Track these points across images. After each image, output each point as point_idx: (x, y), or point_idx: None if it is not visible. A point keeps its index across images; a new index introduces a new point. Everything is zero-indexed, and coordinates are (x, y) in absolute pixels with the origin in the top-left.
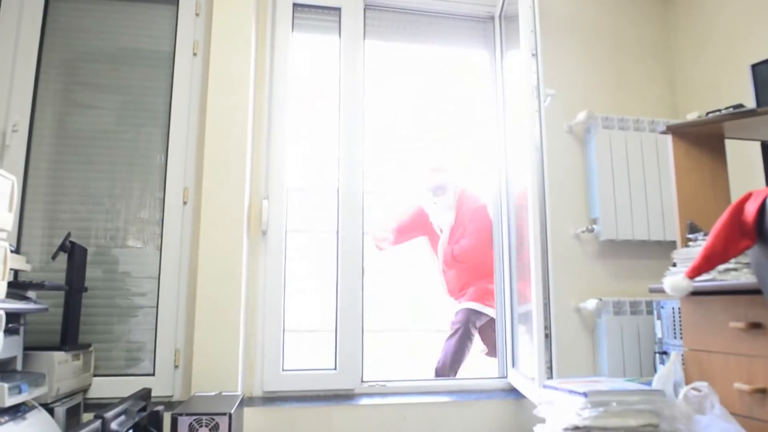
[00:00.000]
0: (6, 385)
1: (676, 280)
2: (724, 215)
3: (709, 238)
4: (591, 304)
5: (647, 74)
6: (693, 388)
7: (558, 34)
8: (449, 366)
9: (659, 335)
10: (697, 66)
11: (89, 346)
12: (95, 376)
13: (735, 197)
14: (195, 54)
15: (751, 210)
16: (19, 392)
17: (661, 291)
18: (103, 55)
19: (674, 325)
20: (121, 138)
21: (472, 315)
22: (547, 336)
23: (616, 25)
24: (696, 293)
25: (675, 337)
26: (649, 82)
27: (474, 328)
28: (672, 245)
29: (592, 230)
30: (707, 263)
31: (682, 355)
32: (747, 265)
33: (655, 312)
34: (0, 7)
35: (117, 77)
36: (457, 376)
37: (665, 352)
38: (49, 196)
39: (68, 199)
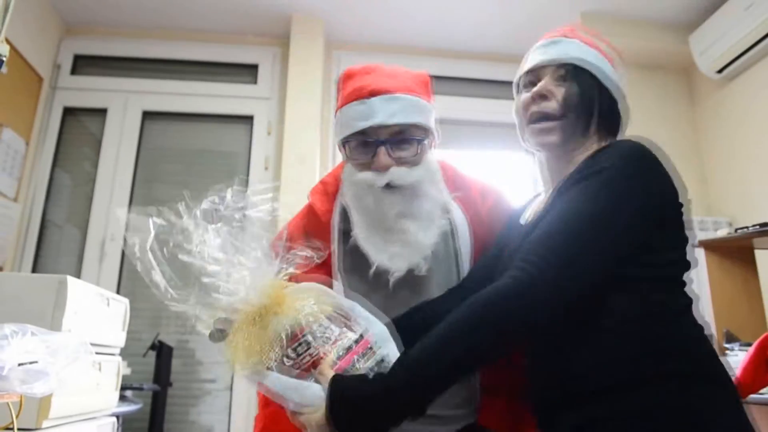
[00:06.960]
0: None
1: None
2: (750, 352)
3: (739, 372)
4: None
5: (679, 173)
6: None
7: None
8: None
9: None
10: (727, 166)
11: None
12: None
13: None
14: (266, 169)
15: None
16: None
17: None
18: (187, 167)
19: None
20: None
21: None
22: None
23: (644, 125)
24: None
25: None
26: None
27: None
28: None
29: None
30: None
31: None
32: None
33: None
34: (103, 136)
35: (197, 183)
36: None
37: None
38: (127, 288)
39: (143, 291)
